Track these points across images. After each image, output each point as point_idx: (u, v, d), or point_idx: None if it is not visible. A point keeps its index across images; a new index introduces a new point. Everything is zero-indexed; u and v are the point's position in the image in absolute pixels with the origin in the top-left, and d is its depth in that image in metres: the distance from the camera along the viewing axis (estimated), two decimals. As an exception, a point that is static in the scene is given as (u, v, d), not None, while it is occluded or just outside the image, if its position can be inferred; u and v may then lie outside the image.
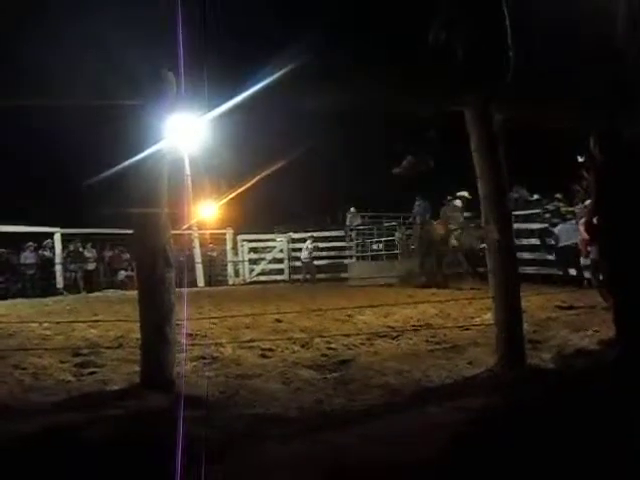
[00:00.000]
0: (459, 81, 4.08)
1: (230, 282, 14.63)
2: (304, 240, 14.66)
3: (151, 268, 3.62)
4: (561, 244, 9.73)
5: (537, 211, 10.84)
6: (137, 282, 3.95)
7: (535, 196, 11.30)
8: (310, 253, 13.52)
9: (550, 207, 10.49)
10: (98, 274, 14.16)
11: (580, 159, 4.56)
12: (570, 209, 10.23)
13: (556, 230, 9.94)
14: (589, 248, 7.54)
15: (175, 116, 4.14)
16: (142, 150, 3.70)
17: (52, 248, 13.34)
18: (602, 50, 5.10)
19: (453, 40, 4.06)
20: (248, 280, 14.58)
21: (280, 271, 14.81)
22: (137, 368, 3.77)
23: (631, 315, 3.55)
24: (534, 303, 6.51)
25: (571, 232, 9.54)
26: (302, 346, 4.97)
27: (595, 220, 3.95)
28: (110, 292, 12.73)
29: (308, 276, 13.37)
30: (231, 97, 4.32)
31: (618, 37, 4.83)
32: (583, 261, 9.23)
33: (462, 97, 4.07)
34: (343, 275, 14.05)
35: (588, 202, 9.49)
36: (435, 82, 4.39)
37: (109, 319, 6.72)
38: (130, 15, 3.79)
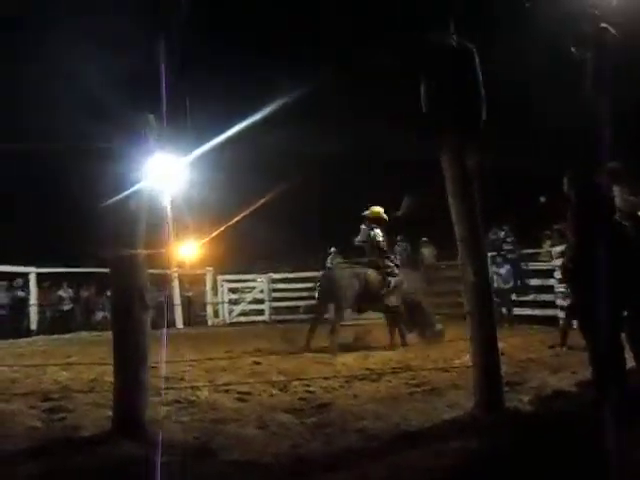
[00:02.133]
0: (435, 128, 4.22)
1: (209, 323, 14.42)
2: (285, 280, 14.60)
3: (126, 310, 3.57)
4: (503, 286, 10.30)
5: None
6: (112, 323, 3.88)
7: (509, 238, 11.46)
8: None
9: (491, 236, 10.66)
10: (74, 315, 13.86)
11: (542, 200, 4.69)
12: (510, 243, 10.56)
13: (501, 271, 10.28)
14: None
15: (156, 157, 4.18)
16: (121, 191, 3.71)
17: (24, 288, 13.05)
18: (571, 100, 5.33)
19: (431, 93, 4.22)
20: (228, 321, 14.39)
21: (260, 312, 14.65)
22: (110, 413, 3.66)
23: (601, 358, 3.59)
24: (511, 344, 6.53)
25: (510, 275, 10.08)
26: (280, 389, 4.89)
27: (570, 264, 4.01)
28: (86, 333, 12.44)
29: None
30: (211, 139, 4.39)
31: (584, 91, 5.07)
32: (561, 302, 9.39)
33: (438, 144, 4.19)
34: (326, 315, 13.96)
35: (556, 247, 9.79)
36: (413, 129, 4.54)
37: (83, 361, 6.55)
38: (113, 60, 3.88)
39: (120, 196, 3.70)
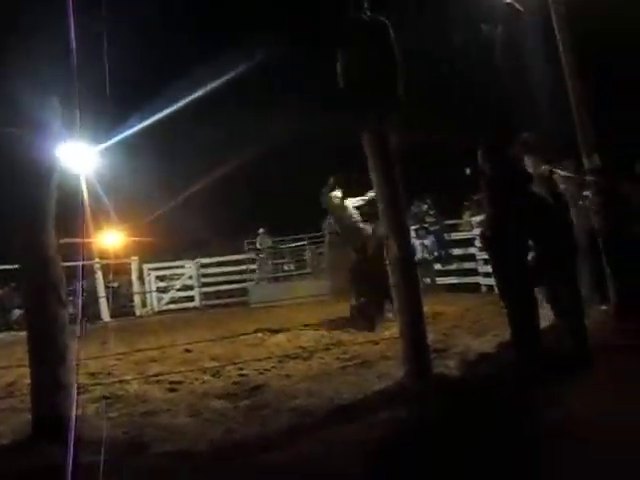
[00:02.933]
0: (353, 102, 4.24)
1: (137, 313, 13.97)
2: (215, 265, 14.37)
3: (41, 306, 3.37)
4: (427, 257, 10.83)
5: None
6: (27, 323, 3.64)
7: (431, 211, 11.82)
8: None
9: (414, 209, 11.06)
10: (-12, 315, 12.98)
11: (467, 172, 4.87)
12: (432, 216, 10.99)
13: (425, 242, 10.72)
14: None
15: (68, 144, 3.94)
16: (28, 179, 3.47)
17: None
18: (483, 74, 5.51)
19: (350, 66, 4.22)
20: (157, 310, 14.00)
21: (190, 298, 14.36)
22: (29, 417, 3.46)
23: (519, 322, 3.79)
24: (436, 312, 6.79)
25: (433, 246, 10.59)
26: (212, 375, 4.83)
27: (488, 232, 4.18)
28: (2, 334, 11.69)
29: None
30: (129, 126, 4.20)
31: (496, 61, 5.25)
32: (482, 269, 9.87)
33: (359, 117, 4.21)
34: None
35: (475, 218, 10.25)
36: (334, 104, 4.53)
37: (-1, 364, 6.15)
38: (18, 40, 3.59)
39: (27, 183, 3.46)
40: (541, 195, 4.19)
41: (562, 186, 5.13)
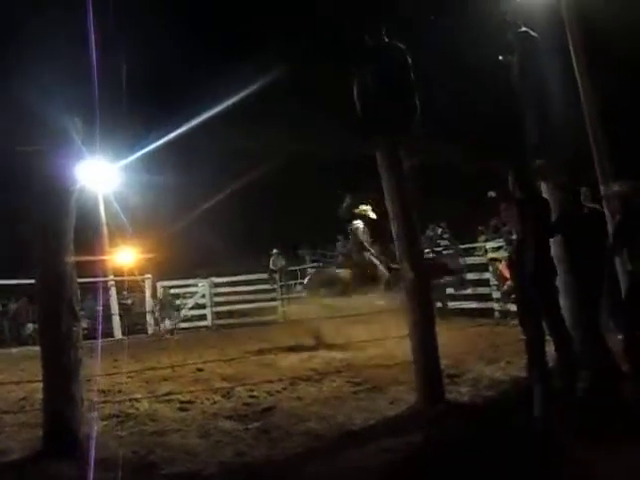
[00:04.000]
0: (369, 127, 4.28)
1: (150, 331, 13.99)
2: (227, 284, 14.39)
3: (56, 322, 3.39)
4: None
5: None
6: (40, 337, 3.67)
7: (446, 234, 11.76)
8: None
9: (429, 233, 11.01)
10: (2, 329, 13.06)
11: (492, 195, 4.86)
12: (446, 239, 10.93)
13: None
14: (508, 282, 8.01)
15: (87, 161, 4.01)
16: (47, 196, 3.53)
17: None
18: (500, 100, 5.55)
19: (364, 92, 4.28)
20: (169, 328, 14.01)
21: (203, 317, 14.36)
22: (41, 433, 3.46)
23: (537, 350, 3.73)
24: (448, 337, 6.70)
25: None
26: (223, 396, 4.80)
27: (515, 256, 4.12)
28: (15, 349, 11.76)
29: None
30: (145, 145, 4.28)
31: (514, 85, 5.28)
32: (498, 295, 9.76)
33: (373, 141, 4.25)
34: (269, 318, 13.90)
35: (490, 242, 10.19)
36: (349, 128, 4.58)
37: (11, 379, 6.17)
38: (42, 62, 3.69)
39: (46, 200, 3.52)
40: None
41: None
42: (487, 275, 10.19)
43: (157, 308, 12.49)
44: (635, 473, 2.48)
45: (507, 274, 7.77)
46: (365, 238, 8.02)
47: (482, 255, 10.68)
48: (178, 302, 13.85)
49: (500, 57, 5.32)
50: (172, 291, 14.45)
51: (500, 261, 9.07)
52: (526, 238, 3.92)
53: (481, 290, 10.46)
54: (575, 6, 6.37)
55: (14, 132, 3.68)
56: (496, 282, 9.51)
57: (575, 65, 6.20)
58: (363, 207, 8.14)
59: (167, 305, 12.44)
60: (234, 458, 3.19)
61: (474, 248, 11.32)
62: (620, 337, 4.08)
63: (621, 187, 4.38)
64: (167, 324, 12.43)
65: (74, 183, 3.62)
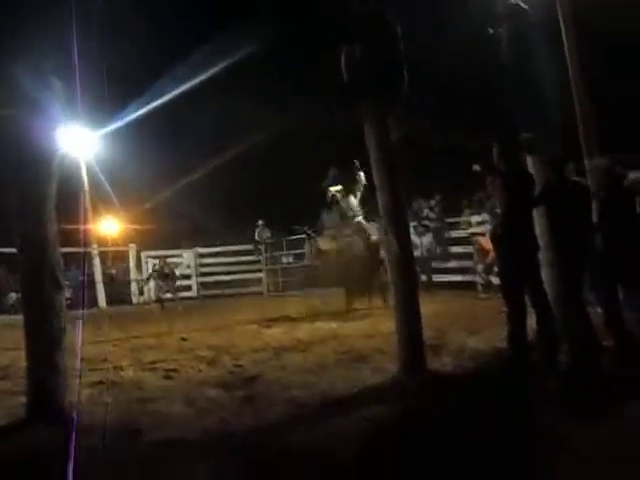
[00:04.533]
0: (356, 96, 4.22)
1: (134, 301, 13.96)
2: (213, 255, 14.37)
3: (37, 290, 3.36)
4: (425, 255, 10.75)
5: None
6: (23, 305, 3.64)
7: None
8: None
9: (415, 206, 11.05)
10: (-17, 298, 12.94)
11: (476, 168, 4.85)
12: (435, 213, 10.94)
13: (423, 240, 10.68)
14: (491, 255, 8.08)
15: (69, 127, 3.91)
16: (26, 161, 3.45)
17: None
18: (487, 73, 5.50)
19: (352, 62, 4.21)
20: (154, 298, 13.99)
21: (188, 287, 14.35)
22: (24, 400, 3.47)
23: (517, 321, 3.80)
24: (432, 309, 6.79)
25: (432, 244, 10.77)
26: (208, 364, 4.84)
27: (499, 230, 4.15)
28: (-2, 317, 11.69)
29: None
30: (130, 110, 4.18)
31: (502, 58, 5.24)
32: (480, 267, 9.86)
33: (360, 112, 4.20)
34: (254, 289, 13.94)
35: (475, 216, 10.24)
36: (336, 99, 4.51)
37: (-6, 347, 6.14)
38: (18, 21, 3.56)
39: (26, 165, 3.44)
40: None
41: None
42: (471, 249, 10.27)
43: (154, 277, 12.41)
44: (614, 445, 2.55)
45: (488, 247, 7.84)
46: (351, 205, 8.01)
47: (467, 229, 10.75)
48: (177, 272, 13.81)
49: (489, 29, 5.26)
50: (157, 261, 14.40)
51: (482, 235, 9.14)
52: (509, 211, 3.95)
53: (465, 263, 10.56)
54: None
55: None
56: (477, 256, 9.60)
57: (564, 37, 6.15)
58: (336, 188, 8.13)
59: (169, 275, 12.41)
60: (218, 426, 3.23)
61: (458, 222, 11.37)
62: (600, 310, 4.18)
63: (605, 161, 4.40)
64: (164, 294, 12.44)
65: (55, 149, 3.54)
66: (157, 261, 12.82)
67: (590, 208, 4.11)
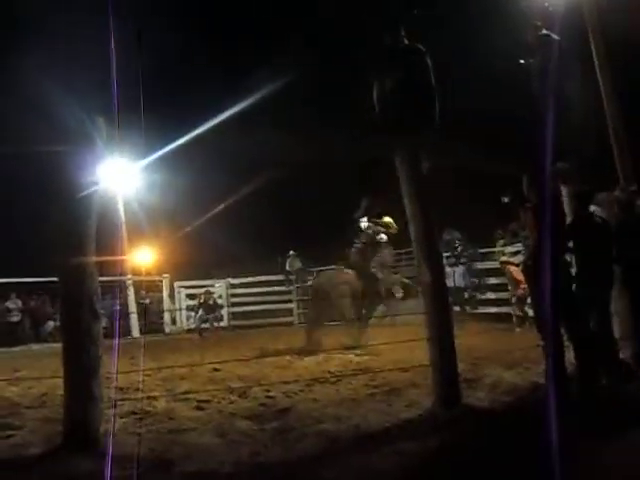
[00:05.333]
0: (388, 129, 4.27)
1: (167, 330, 14.12)
2: (244, 285, 14.48)
3: (76, 319, 3.45)
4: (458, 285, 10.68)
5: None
6: (61, 334, 3.73)
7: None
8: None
9: (446, 236, 10.91)
10: (23, 326, 13.29)
11: (505, 200, 4.83)
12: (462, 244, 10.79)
13: (455, 270, 10.59)
14: (522, 286, 7.94)
15: (108, 161, 4.06)
16: (70, 196, 3.59)
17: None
18: (522, 102, 5.50)
19: (384, 95, 4.28)
20: (186, 328, 14.12)
21: (219, 318, 14.46)
22: (61, 428, 3.52)
23: (557, 355, 3.70)
24: (467, 341, 6.64)
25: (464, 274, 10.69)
26: (240, 396, 4.82)
27: (530, 261, 4.10)
28: (36, 345, 11.97)
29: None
30: (166, 143, 4.32)
31: (533, 88, 5.25)
32: (514, 299, 9.65)
33: (392, 144, 4.24)
34: (284, 319, 13.94)
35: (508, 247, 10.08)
36: (368, 131, 4.58)
37: (32, 375, 6.28)
38: (65, 62, 3.76)
39: (69, 200, 3.57)
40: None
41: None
42: (506, 280, 10.09)
43: (200, 308, 12.80)
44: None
45: (520, 278, 7.70)
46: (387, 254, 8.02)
47: (499, 259, 10.58)
48: (220, 302, 14.01)
49: (521, 60, 5.29)
50: (190, 291, 14.58)
51: (514, 264, 8.99)
52: (541, 244, 3.90)
53: (499, 295, 10.38)
54: (597, 9, 6.31)
55: (36, 133, 3.75)
56: (510, 287, 9.43)
57: (597, 68, 6.14)
58: (387, 219, 8.10)
59: (212, 305, 12.81)
60: (250, 458, 3.20)
61: (492, 252, 11.22)
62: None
63: (621, 193, 4.36)
64: (210, 323, 12.73)
65: (96, 183, 3.68)
66: (203, 291, 13.18)
67: (611, 240, 4.08)
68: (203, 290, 13.24)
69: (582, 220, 4.00)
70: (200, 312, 12.79)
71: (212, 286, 14.46)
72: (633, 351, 4.09)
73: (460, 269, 10.85)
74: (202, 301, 12.84)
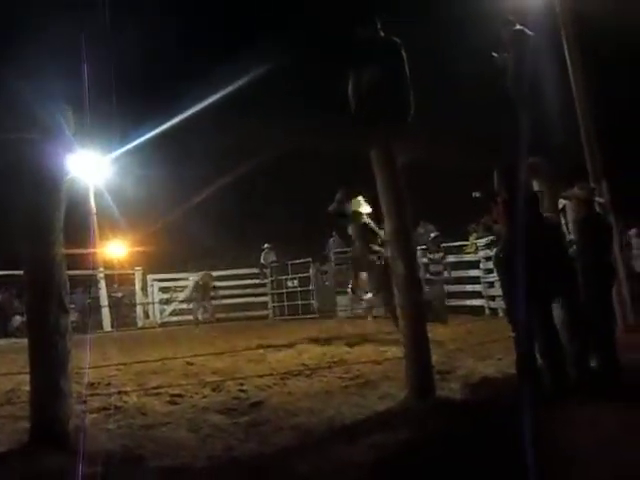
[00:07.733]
0: (364, 122, 4.26)
1: (139, 324, 13.93)
2: (219, 278, 14.36)
3: (44, 313, 3.35)
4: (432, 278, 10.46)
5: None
6: (28, 330, 3.63)
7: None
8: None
9: (420, 230, 10.91)
10: (-12, 321, 12.95)
11: (476, 195, 4.86)
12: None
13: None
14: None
15: (78, 152, 3.96)
16: (37, 187, 3.48)
17: None
18: (493, 98, 5.55)
19: (360, 88, 4.26)
20: (159, 322, 13.95)
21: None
22: (28, 425, 3.43)
23: (526, 345, 3.76)
24: (440, 333, 6.73)
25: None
26: (213, 390, 4.77)
27: (502, 254, 4.14)
28: (2, 341, 11.66)
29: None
30: (138, 135, 4.23)
31: (507, 85, 5.30)
32: (486, 292, 9.81)
33: (367, 138, 4.23)
34: (259, 313, 13.89)
35: (481, 240, 10.20)
36: (343, 124, 4.56)
37: (-1, 371, 6.11)
38: (32, 51, 3.65)
39: (35, 191, 3.47)
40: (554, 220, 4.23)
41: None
42: (477, 272, 10.24)
43: (196, 294, 12.53)
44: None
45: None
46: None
47: (473, 253, 10.73)
48: (167, 296, 13.79)
49: (494, 54, 5.33)
50: (163, 284, 14.39)
51: None
52: (511, 236, 3.94)
53: (471, 288, 10.52)
54: (570, 4, 6.39)
55: (3, 121, 3.62)
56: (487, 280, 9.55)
57: (568, 62, 6.23)
58: (359, 199, 7.87)
59: (208, 291, 12.46)
60: (223, 452, 3.17)
61: (465, 245, 11.36)
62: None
63: (581, 190, 4.47)
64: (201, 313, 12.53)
65: (65, 174, 3.57)
66: (202, 274, 12.80)
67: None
68: (202, 273, 12.84)
69: (586, 221, 4.21)
70: (195, 295, 12.48)
71: (186, 279, 14.32)
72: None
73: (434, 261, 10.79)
74: (201, 283, 12.50)
